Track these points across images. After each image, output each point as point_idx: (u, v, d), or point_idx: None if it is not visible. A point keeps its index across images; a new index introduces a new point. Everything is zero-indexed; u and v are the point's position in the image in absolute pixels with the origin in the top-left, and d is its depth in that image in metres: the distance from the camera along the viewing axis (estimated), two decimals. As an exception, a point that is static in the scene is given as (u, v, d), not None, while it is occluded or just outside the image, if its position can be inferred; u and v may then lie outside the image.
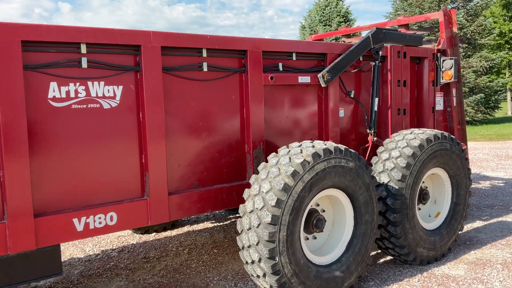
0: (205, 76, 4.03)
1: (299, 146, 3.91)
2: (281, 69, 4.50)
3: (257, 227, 3.58)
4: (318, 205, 4.18)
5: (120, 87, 3.55)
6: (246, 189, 3.85)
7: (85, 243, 5.89)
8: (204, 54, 3.97)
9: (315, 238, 4.21)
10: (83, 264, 5.19)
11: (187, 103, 3.94)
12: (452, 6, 24.66)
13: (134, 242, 5.92)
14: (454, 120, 6.22)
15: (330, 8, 28.04)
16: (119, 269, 5.00)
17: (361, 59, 5.16)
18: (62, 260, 5.20)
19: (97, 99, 3.45)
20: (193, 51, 3.93)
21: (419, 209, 5.10)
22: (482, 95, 23.42)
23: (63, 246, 5.74)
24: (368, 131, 5.25)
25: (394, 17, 26.01)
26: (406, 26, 6.61)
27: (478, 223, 6.29)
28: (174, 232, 6.31)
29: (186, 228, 6.50)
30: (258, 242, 3.58)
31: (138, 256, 5.42)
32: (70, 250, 5.64)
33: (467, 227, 6.10)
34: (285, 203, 3.58)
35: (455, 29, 6.15)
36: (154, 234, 6.24)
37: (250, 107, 4.26)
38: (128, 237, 6.13)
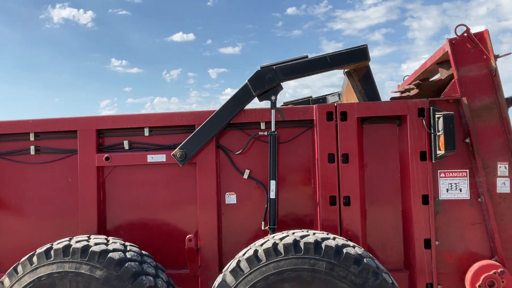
0: (35, 159, 4.04)
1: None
2: (127, 148, 3.94)
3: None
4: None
5: None
6: None
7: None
8: (32, 138, 4.02)
9: None
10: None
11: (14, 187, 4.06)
12: None
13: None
14: (492, 219, 3.50)
15: None
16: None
17: (262, 127, 3.83)
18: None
19: None
20: (20, 136, 4.04)
21: None
22: None
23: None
24: (262, 227, 3.73)
25: None
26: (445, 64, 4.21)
27: None
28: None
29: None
30: None
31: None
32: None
33: None
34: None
35: (493, 62, 3.57)
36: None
37: (79, 193, 3.94)
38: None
